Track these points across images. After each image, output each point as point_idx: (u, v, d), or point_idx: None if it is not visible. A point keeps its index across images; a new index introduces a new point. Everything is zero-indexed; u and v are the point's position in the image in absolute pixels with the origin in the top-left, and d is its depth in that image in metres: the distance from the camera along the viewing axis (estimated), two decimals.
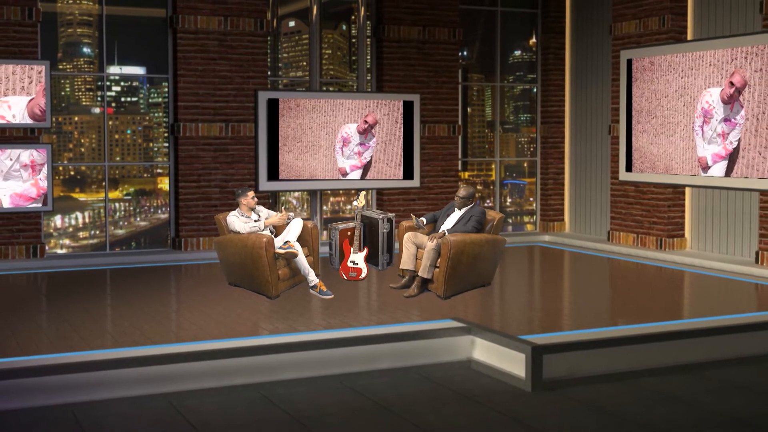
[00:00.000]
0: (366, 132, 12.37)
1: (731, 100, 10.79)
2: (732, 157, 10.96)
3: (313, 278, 9.09)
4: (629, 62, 12.36)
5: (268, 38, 13.01)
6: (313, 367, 6.83)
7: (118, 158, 12.56)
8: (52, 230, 12.29)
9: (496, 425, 5.84)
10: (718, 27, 12.03)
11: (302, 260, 9.08)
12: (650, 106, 12.05)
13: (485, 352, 7.13)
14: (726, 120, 10.93)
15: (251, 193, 9.32)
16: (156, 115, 12.91)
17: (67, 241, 12.41)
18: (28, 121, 11.29)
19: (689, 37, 12.39)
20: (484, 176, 14.79)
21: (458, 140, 13.98)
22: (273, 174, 12.09)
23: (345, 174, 12.43)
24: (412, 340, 7.18)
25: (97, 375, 6.31)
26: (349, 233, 10.36)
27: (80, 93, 12.66)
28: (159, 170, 12.81)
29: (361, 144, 12.41)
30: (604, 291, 10.58)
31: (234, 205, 10.55)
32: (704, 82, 11.22)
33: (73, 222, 12.52)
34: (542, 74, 14.70)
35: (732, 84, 10.78)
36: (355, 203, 11.23)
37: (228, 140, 12.49)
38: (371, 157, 12.54)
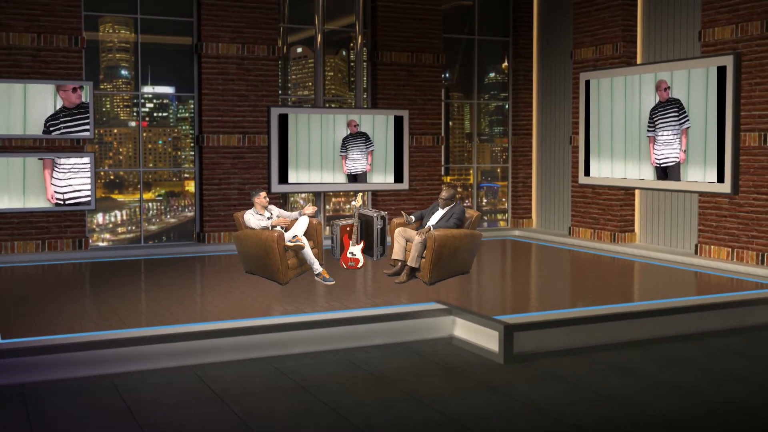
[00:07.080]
0: (354, 131, 12.37)
1: (667, 95, 10.89)
2: (675, 164, 10.96)
3: (317, 267, 9.08)
4: (587, 83, 12.36)
5: (279, 62, 12.97)
6: (318, 342, 6.83)
7: (151, 165, 12.52)
8: (94, 226, 12.25)
9: (474, 392, 5.83)
10: (663, 53, 12.03)
11: (308, 252, 9.06)
12: (605, 120, 12.05)
13: (464, 330, 7.13)
14: (670, 132, 10.93)
15: (263, 194, 9.29)
16: (183, 127, 12.87)
17: (107, 236, 12.36)
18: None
19: (638, 61, 12.39)
20: (463, 180, 14.77)
21: (441, 149, 13.96)
22: (283, 178, 12.06)
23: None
24: (401, 319, 7.18)
25: (132, 350, 6.30)
26: (348, 229, 10.34)
27: (119, 109, 12.61)
28: (186, 175, 12.78)
29: (359, 152, 12.38)
30: (565, 278, 10.58)
31: (250, 205, 10.53)
32: (652, 98, 11.23)
33: (112, 219, 12.48)
34: (513, 93, 14.69)
35: (659, 86, 10.93)
36: (353, 203, 11.21)
37: (245, 149, 12.45)
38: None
